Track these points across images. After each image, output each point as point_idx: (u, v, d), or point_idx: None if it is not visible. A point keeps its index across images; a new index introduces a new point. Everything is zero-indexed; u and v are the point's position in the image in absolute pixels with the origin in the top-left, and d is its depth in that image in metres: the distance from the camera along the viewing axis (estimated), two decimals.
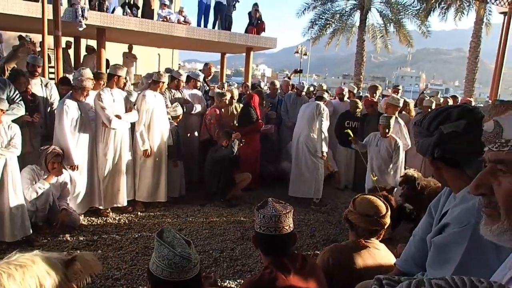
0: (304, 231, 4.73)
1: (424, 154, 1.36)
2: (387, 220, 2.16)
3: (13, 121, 3.91)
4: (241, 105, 6.41)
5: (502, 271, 0.86)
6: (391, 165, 4.92)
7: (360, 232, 2.17)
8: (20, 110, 4.09)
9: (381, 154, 4.91)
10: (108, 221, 4.66)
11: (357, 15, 19.81)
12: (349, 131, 5.02)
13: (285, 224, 1.69)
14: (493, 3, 9.89)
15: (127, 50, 13.04)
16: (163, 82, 5.19)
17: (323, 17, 19.80)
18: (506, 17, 9.68)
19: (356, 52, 19.69)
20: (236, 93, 6.45)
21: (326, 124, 5.72)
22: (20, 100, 4.14)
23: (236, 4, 12.69)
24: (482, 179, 0.77)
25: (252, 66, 15.03)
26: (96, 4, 10.19)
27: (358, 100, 6.73)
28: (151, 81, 5.25)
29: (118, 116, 4.63)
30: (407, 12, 18.68)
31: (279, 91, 7.76)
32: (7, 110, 3.76)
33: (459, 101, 8.08)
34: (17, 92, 4.16)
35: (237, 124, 6.19)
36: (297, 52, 31.95)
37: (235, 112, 6.34)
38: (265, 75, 71.97)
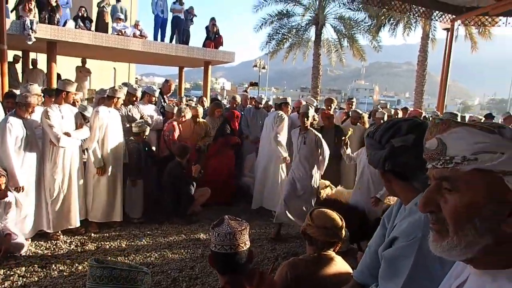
0: (265, 245, 4.69)
1: (375, 166, 1.38)
2: (344, 232, 2.20)
3: None
4: (204, 121, 6.38)
5: (448, 281, 0.88)
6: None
7: (319, 245, 2.18)
8: None
9: (371, 168, 4.38)
10: (58, 244, 4.38)
11: (312, 30, 20.45)
12: (345, 138, 5.02)
13: (240, 242, 1.66)
14: (436, 20, 10.55)
15: (80, 64, 12.60)
16: (118, 98, 5.01)
17: (280, 32, 20.24)
18: (449, 33, 10.35)
19: (313, 65, 20.26)
20: (200, 111, 6.33)
21: (282, 130, 5.81)
22: None
23: (194, 18, 12.69)
24: (429, 197, 0.78)
25: (211, 80, 15.03)
26: (46, 17, 9.80)
27: (314, 113, 6.87)
28: (106, 97, 5.07)
29: (67, 134, 4.40)
30: (359, 28, 19.51)
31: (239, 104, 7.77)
32: None
33: (409, 112, 8.47)
34: None
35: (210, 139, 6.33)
36: (255, 65, 32.34)
37: (203, 126, 6.30)
38: (224, 89, 72.19)
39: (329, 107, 7.01)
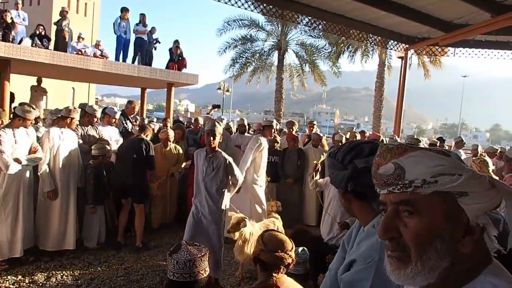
0: (227, 270, 4.59)
1: (337, 186, 1.38)
2: (293, 254, 2.18)
3: None
4: (175, 145, 6.16)
5: None
6: None
7: (275, 269, 2.13)
8: None
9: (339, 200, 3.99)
10: (3, 275, 4.04)
11: (275, 55, 20.96)
12: (317, 162, 4.63)
13: (200, 269, 1.60)
14: (391, 49, 11.14)
15: (35, 83, 12.09)
16: (73, 118, 4.81)
17: (243, 56, 20.58)
18: (403, 61, 10.94)
19: (276, 89, 20.66)
20: (171, 134, 6.03)
21: (250, 152, 5.45)
22: None
23: (157, 44, 12.64)
24: (388, 222, 0.76)
25: (174, 101, 14.90)
26: (1, 34, 9.40)
27: (276, 135, 6.94)
28: (59, 117, 4.85)
29: (17, 160, 4.14)
30: (320, 54, 20.23)
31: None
32: None
33: (368, 136, 8.77)
34: None
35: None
36: (219, 88, 32.51)
37: (174, 152, 6.08)
38: (188, 110, 71.73)
39: (291, 129, 7.12)
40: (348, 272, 1.28)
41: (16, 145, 4.19)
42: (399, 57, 11.76)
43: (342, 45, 19.73)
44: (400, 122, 11.17)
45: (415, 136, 9.00)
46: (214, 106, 8.93)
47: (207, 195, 3.98)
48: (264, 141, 5.53)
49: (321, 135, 7.07)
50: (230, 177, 4.05)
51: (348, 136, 7.21)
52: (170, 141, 5.99)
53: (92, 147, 5.10)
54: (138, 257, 4.84)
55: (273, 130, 5.92)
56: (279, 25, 19.95)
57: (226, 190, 4.04)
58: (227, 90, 33.59)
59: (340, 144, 6.03)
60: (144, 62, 12.01)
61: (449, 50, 10.59)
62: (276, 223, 4.68)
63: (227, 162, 3.98)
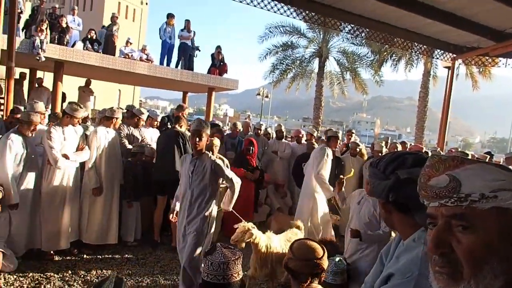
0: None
1: (378, 196, 1.36)
2: (326, 262, 2.15)
3: None
4: (221, 157, 5.79)
5: None
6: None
7: (303, 278, 2.12)
8: None
9: (360, 216, 3.56)
10: (49, 264, 4.30)
11: (316, 62, 20.82)
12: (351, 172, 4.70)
13: (233, 272, 1.62)
14: (438, 58, 10.75)
15: (83, 85, 12.75)
16: (117, 118, 5.04)
17: (283, 63, 20.60)
18: (450, 71, 10.52)
19: (315, 96, 20.51)
20: (217, 143, 5.56)
21: (323, 166, 5.36)
22: None
23: (198, 51, 12.93)
24: (439, 237, 0.73)
25: (214, 106, 15.17)
26: (56, 37, 10.03)
27: (315, 143, 6.89)
28: (104, 117, 5.11)
29: (65, 156, 4.39)
30: (361, 62, 19.88)
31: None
32: None
33: (409, 147, 8.49)
34: None
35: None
36: (258, 94, 32.73)
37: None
38: (227, 115, 72.69)
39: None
40: (385, 285, 1.26)
41: (65, 142, 4.45)
42: (445, 67, 11.32)
43: (385, 53, 19.28)
44: (445, 134, 10.73)
45: (461, 150, 8.59)
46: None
47: (193, 202, 3.60)
48: (330, 152, 5.44)
49: (360, 144, 6.94)
50: (221, 181, 3.75)
51: (384, 144, 7.02)
52: (214, 152, 5.66)
53: (132, 145, 5.35)
54: (173, 256, 4.94)
55: (338, 141, 5.77)
56: (321, 32, 19.83)
57: (213, 196, 3.67)
58: (266, 96, 33.75)
59: (380, 154, 5.90)
60: (186, 66, 12.35)
61: (500, 60, 10.07)
62: (299, 234, 4.22)
63: (214, 164, 3.60)
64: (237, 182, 3.76)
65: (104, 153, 4.85)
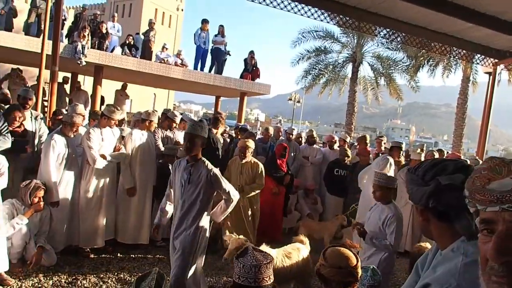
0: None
1: (416, 203, 1.32)
2: (359, 271, 2.10)
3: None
4: (256, 161, 5.53)
5: None
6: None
7: (335, 286, 2.09)
8: (6, 143, 4.03)
9: (369, 223, 3.57)
10: (86, 261, 4.46)
11: (349, 67, 20.56)
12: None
13: (265, 275, 1.62)
14: (478, 63, 10.35)
15: (120, 88, 13.19)
16: (151, 121, 5.19)
17: (316, 68, 20.47)
18: (491, 77, 10.09)
19: (348, 102, 20.22)
20: (252, 145, 5.31)
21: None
22: (6, 133, 4.09)
23: (227, 56, 13.07)
24: (503, 244, 0.68)
25: (246, 110, 15.28)
26: (97, 42, 10.46)
27: (347, 148, 6.79)
28: (139, 120, 5.27)
29: (103, 156, 4.57)
30: (397, 67, 19.43)
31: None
32: None
33: (446, 156, 8.18)
34: (5, 124, 4.12)
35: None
36: (290, 99, 32.67)
37: (252, 168, 5.28)
38: (258, 120, 73.04)
39: (364, 144, 6.90)
40: None
41: (103, 142, 4.64)
42: (486, 73, 10.85)
43: (421, 58, 18.76)
44: (485, 142, 10.27)
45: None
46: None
47: (183, 214, 3.23)
48: (392, 162, 5.34)
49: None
50: (218, 192, 3.33)
51: (419, 151, 6.80)
52: (246, 155, 5.17)
53: (164, 147, 5.47)
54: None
55: (401, 152, 5.76)
56: (355, 37, 19.58)
57: (205, 209, 3.27)
58: (298, 101, 33.64)
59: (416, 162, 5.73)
60: (219, 71, 12.54)
61: None
62: (302, 249, 3.76)
63: (211, 174, 3.20)
64: (235, 195, 3.36)
65: (139, 154, 5.00)
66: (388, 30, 8.97)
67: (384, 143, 7.57)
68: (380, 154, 7.17)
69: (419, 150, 6.90)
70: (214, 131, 5.44)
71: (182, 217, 3.24)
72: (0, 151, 3.89)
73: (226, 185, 3.32)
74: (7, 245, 3.82)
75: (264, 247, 3.37)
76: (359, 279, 2.16)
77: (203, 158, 3.31)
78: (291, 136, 7.33)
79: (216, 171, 3.28)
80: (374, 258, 3.39)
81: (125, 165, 4.92)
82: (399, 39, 9.30)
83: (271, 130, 7.76)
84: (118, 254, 4.78)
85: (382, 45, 19.23)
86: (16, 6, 10.24)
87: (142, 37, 12.35)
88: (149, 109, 5.85)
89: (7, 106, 5.34)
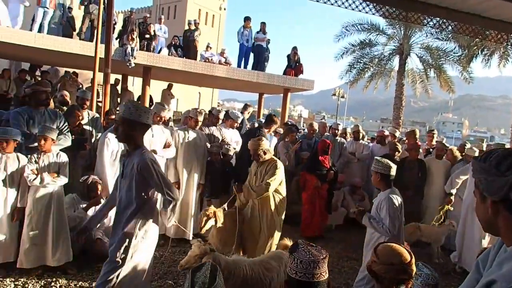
0: (337, 278, 4.51)
1: (492, 193, 1.23)
2: (414, 268, 2.03)
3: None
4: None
5: None
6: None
7: (387, 283, 2.03)
8: (66, 141, 4.32)
9: (373, 207, 3.70)
10: None
11: (396, 60, 19.84)
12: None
13: (322, 271, 1.63)
14: None
15: (166, 88, 13.64)
16: (198, 119, 5.32)
17: (361, 61, 19.95)
18: None
19: (395, 96, 19.53)
20: (265, 145, 4.62)
21: None
22: (67, 132, 4.38)
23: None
24: None
25: (289, 107, 15.23)
26: (145, 44, 10.88)
27: (398, 144, 6.58)
28: (187, 117, 5.43)
29: (154, 151, 4.76)
30: (448, 58, 18.48)
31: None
32: (55, 140, 3.99)
33: None
34: (66, 124, 4.41)
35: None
36: (334, 94, 32.15)
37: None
38: (301, 116, 72.46)
39: (414, 139, 6.65)
40: None
41: (153, 138, 4.83)
42: None
43: (475, 48, 17.69)
44: None
45: None
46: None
47: (119, 214, 2.77)
48: None
49: (447, 145, 6.45)
50: (153, 188, 2.74)
51: (476, 148, 6.42)
52: (260, 154, 4.43)
53: (210, 144, 5.59)
54: None
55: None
56: (402, 28, 18.85)
57: (142, 209, 2.71)
58: (342, 96, 33.01)
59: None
60: (262, 68, 12.58)
61: None
62: (285, 259, 3.08)
63: (142, 162, 2.62)
64: (172, 193, 2.72)
65: (184, 151, 5.15)
66: (438, 19, 8.55)
67: (436, 138, 7.26)
68: (431, 149, 6.89)
69: (484, 144, 6.50)
70: (266, 130, 5.48)
71: (117, 217, 2.77)
72: (61, 149, 4.17)
73: (163, 180, 2.69)
74: (70, 237, 4.09)
75: (236, 257, 3.18)
76: (414, 277, 2.09)
77: (144, 147, 2.79)
78: (336, 131, 7.22)
79: (151, 160, 2.67)
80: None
81: (171, 161, 5.10)
82: (450, 28, 8.82)
83: (316, 126, 7.69)
84: (170, 248, 4.94)
85: (431, 35, 18.35)
86: (73, 15, 10.87)
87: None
88: (196, 107, 6.01)
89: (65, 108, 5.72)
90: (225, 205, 4.03)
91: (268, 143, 4.36)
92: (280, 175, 4.16)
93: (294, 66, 12.83)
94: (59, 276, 3.85)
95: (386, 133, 7.55)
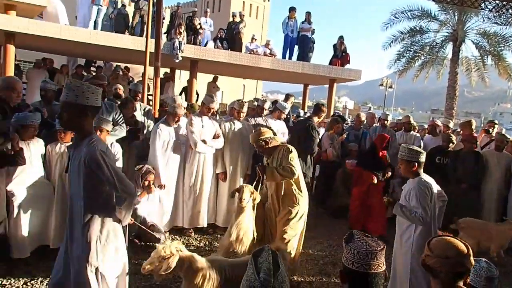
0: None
1: None
2: (472, 261, 1.92)
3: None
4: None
5: None
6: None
7: (443, 277, 1.94)
8: (121, 132, 4.54)
9: (402, 196, 3.59)
10: (190, 241, 4.84)
11: (449, 47, 18.78)
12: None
13: (379, 262, 1.60)
14: None
15: (211, 80, 13.84)
16: (243, 110, 5.36)
17: (411, 49, 19.09)
18: None
19: (448, 85, 18.53)
20: (267, 134, 4.29)
21: None
22: (122, 123, 4.59)
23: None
24: None
25: (334, 98, 14.95)
26: (192, 38, 11.10)
27: (452, 135, 6.27)
28: (232, 109, 5.49)
29: (204, 141, 4.89)
30: (507, 44, 17.21)
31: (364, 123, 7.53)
32: (111, 131, 4.20)
33: None
34: (121, 115, 4.63)
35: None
36: (381, 84, 31.11)
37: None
38: (346, 108, 70.80)
39: (470, 130, 6.31)
40: None
41: (203, 129, 4.97)
42: None
43: None
44: None
45: None
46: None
47: (72, 216, 2.41)
48: None
49: (509, 137, 6.05)
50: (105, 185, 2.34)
51: None
52: (262, 145, 3.99)
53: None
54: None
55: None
56: (455, 14, 17.78)
57: (95, 208, 2.34)
58: (390, 87, 31.86)
59: None
60: (307, 59, 12.41)
61: None
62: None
63: (90, 154, 2.23)
64: (127, 188, 2.37)
65: (230, 142, 5.22)
66: (497, 2, 7.99)
67: (496, 129, 6.83)
68: (490, 141, 6.51)
69: None
70: (316, 119, 5.38)
71: (71, 221, 2.41)
72: (116, 140, 4.38)
73: (115, 174, 2.29)
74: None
75: (215, 256, 2.94)
76: (471, 271, 1.99)
77: (94, 135, 2.34)
78: (386, 122, 7.00)
79: (101, 152, 2.25)
80: (407, 235, 3.37)
81: (218, 152, 5.20)
82: (510, 11, 8.22)
83: (363, 117, 7.50)
84: (219, 236, 5.06)
85: (488, 20, 17.14)
86: (127, 11, 11.28)
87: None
88: (240, 99, 6.06)
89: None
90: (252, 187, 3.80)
91: (271, 133, 4.02)
92: (295, 158, 3.79)
93: (340, 56, 12.54)
94: None
95: (438, 123, 7.21)
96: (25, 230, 3.70)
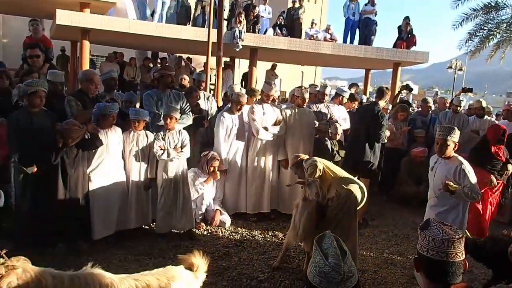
0: None
1: None
2: None
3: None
4: None
5: None
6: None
7: None
8: (188, 120, 4.74)
9: (434, 183, 3.65)
10: (253, 225, 4.96)
11: None
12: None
13: (458, 251, 1.53)
14: None
15: (269, 68, 13.84)
16: (304, 97, 5.27)
17: (485, 28, 17.54)
18: None
19: None
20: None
21: None
22: (189, 111, 4.80)
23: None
24: None
25: (398, 83, 14.30)
26: (251, 26, 11.16)
27: None
28: (293, 95, 5.47)
29: (265, 128, 4.95)
30: None
31: (432, 108, 7.14)
32: (178, 119, 4.40)
33: None
34: (188, 104, 4.83)
35: None
36: (450, 67, 29.07)
37: None
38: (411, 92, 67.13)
39: None
40: None
41: (264, 116, 5.05)
42: None
43: None
44: None
45: None
46: (465, 90, 8.02)
47: None
48: None
49: None
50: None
51: None
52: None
53: (319, 123, 5.53)
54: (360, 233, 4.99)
55: None
56: None
57: None
58: (460, 69, 29.67)
59: None
60: (369, 42, 11.94)
61: None
62: (179, 283, 2.26)
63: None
64: None
65: (291, 129, 5.20)
66: None
67: None
68: None
69: None
70: (382, 104, 5.18)
71: None
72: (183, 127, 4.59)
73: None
74: (193, 207, 4.53)
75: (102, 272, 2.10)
76: None
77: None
78: (458, 108, 6.57)
79: None
80: (454, 214, 3.51)
81: (280, 139, 5.21)
82: None
83: (431, 101, 7.11)
84: (281, 223, 5.11)
85: None
86: (189, 3, 11.60)
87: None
88: (302, 85, 6.03)
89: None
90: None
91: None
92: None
93: (406, 37, 11.90)
94: (186, 240, 4.29)
95: None
96: (100, 213, 3.96)
